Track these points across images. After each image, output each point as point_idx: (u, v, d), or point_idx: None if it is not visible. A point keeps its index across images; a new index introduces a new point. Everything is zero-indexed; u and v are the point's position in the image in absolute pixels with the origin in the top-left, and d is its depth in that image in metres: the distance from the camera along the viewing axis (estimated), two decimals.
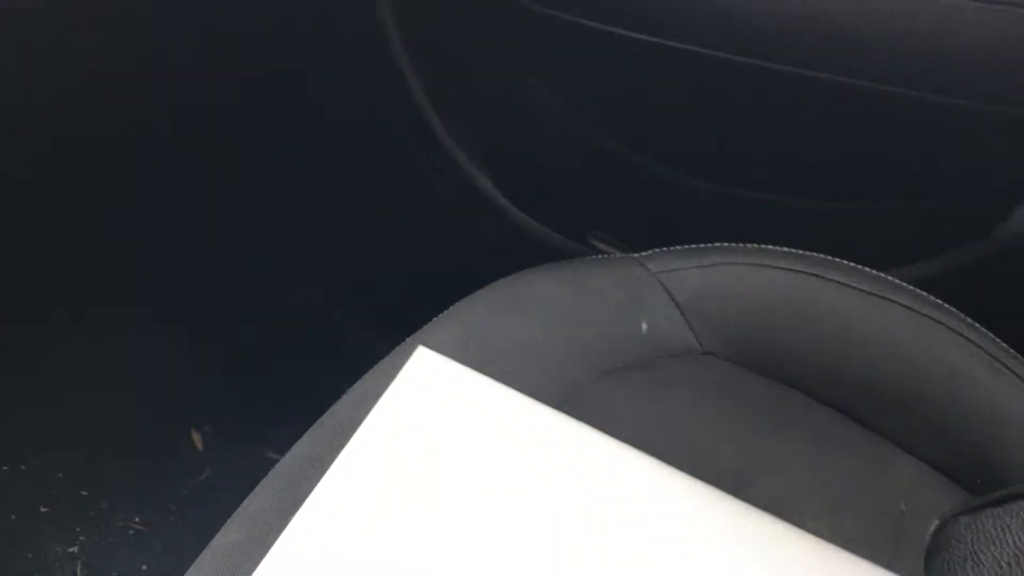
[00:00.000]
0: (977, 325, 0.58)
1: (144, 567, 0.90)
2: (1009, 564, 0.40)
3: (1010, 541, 0.41)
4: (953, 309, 0.58)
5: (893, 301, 0.58)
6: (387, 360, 0.56)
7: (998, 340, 0.58)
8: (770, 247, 0.62)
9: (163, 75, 0.70)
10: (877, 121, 0.65)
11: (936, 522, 0.47)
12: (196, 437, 1.01)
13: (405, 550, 0.45)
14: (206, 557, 0.45)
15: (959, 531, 0.45)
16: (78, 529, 0.91)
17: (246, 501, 0.49)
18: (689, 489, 0.49)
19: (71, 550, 0.90)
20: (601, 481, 0.48)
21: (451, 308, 0.60)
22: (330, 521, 0.45)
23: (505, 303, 0.60)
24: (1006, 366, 0.57)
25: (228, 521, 0.47)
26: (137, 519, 0.92)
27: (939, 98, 0.61)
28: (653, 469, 0.50)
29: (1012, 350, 0.58)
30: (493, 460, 0.48)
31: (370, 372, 0.56)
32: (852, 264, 0.60)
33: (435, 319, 0.59)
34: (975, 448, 0.54)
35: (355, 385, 0.55)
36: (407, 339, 0.57)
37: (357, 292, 0.76)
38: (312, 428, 0.53)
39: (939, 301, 0.58)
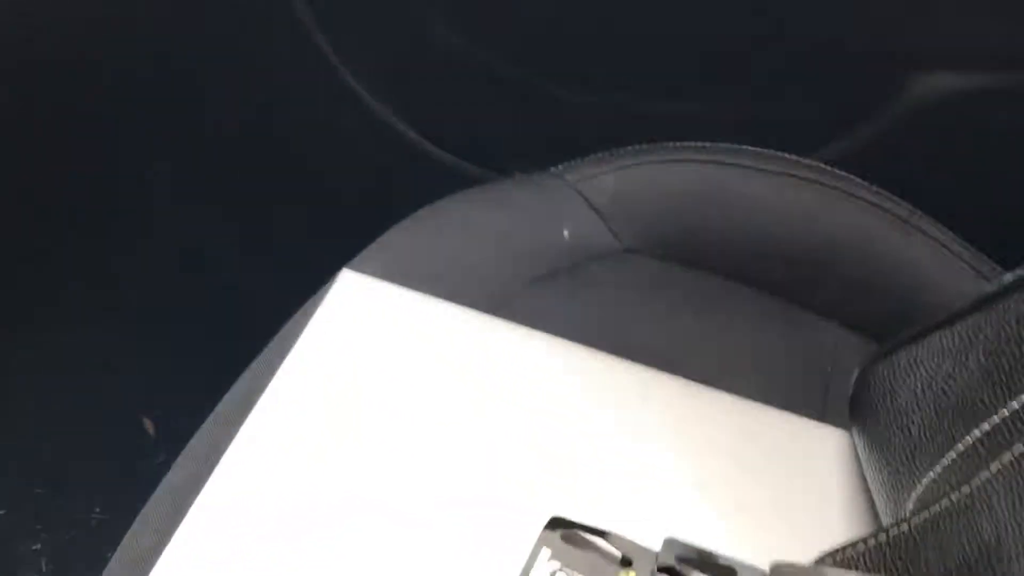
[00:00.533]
0: (884, 192, 0.60)
1: (110, 555, 0.89)
2: (923, 390, 0.42)
3: (922, 371, 0.43)
4: (859, 179, 0.60)
5: (801, 178, 0.60)
6: (314, 298, 0.56)
7: (905, 203, 0.60)
8: (678, 143, 0.63)
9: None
10: (769, 4, 0.66)
11: (857, 371, 0.49)
12: (148, 424, 1.01)
13: (347, 473, 0.45)
14: (157, 493, 0.45)
15: (877, 373, 0.47)
16: (39, 527, 0.90)
17: (190, 442, 0.49)
18: (628, 373, 0.51)
19: (34, 548, 0.89)
20: (540, 379, 0.50)
21: (376, 241, 0.60)
22: (263, 454, 0.45)
23: (430, 228, 0.61)
24: (915, 226, 0.59)
25: (176, 460, 0.48)
26: (97, 509, 0.92)
27: None
28: (590, 360, 0.51)
29: (919, 211, 0.60)
30: (431, 373, 0.49)
31: (298, 311, 0.56)
32: (758, 149, 0.61)
33: (361, 253, 0.60)
34: (892, 305, 0.57)
35: (283, 327, 0.56)
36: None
37: (270, 243, 0.76)
38: (244, 373, 0.53)
39: (845, 173, 0.60)
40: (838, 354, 0.56)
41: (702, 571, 0.41)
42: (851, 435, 0.48)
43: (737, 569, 0.39)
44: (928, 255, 0.58)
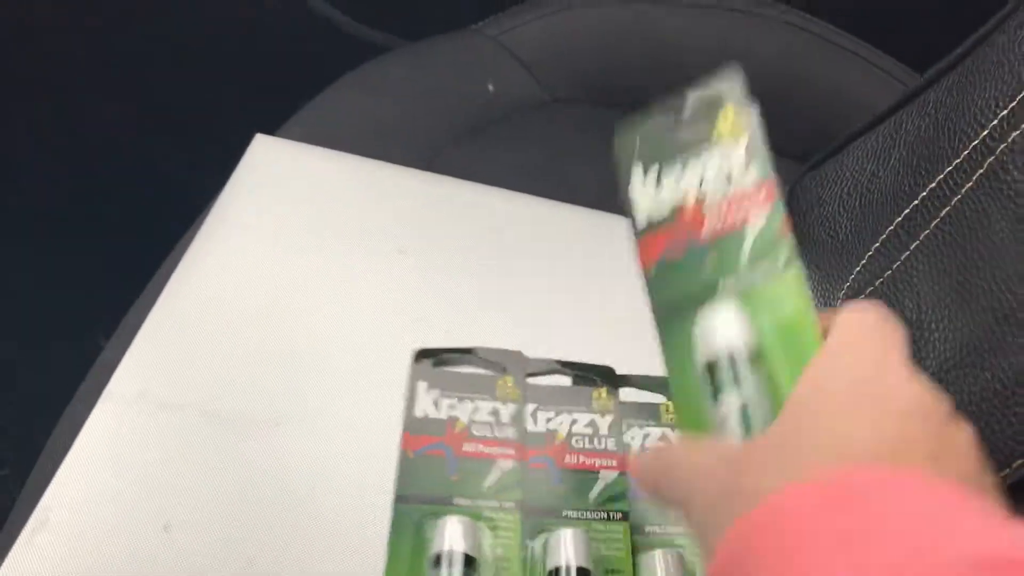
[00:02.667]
0: (807, 15, 0.59)
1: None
2: (848, 193, 0.43)
3: (847, 176, 0.44)
4: (780, 4, 0.59)
5: (723, 8, 0.59)
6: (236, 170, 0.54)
7: (830, 25, 0.59)
8: None
9: None
10: None
11: (787, 188, 0.49)
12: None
13: (267, 327, 0.44)
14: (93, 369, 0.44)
15: (805, 186, 0.47)
16: None
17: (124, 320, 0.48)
18: (559, 213, 0.50)
19: None
20: (472, 225, 0.49)
21: (298, 112, 0.59)
22: (180, 323, 0.44)
23: (351, 93, 0.59)
24: (840, 46, 0.58)
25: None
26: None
27: None
28: (520, 203, 0.51)
29: (843, 31, 0.59)
30: (355, 229, 0.48)
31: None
32: None
33: (284, 124, 0.58)
34: (820, 126, 0.56)
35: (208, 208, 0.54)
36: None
37: (185, 128, 0.73)
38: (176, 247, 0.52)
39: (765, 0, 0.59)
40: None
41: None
42: None
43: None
44: (857, 73, 0.58)
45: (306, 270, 0.46)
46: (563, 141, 0.57)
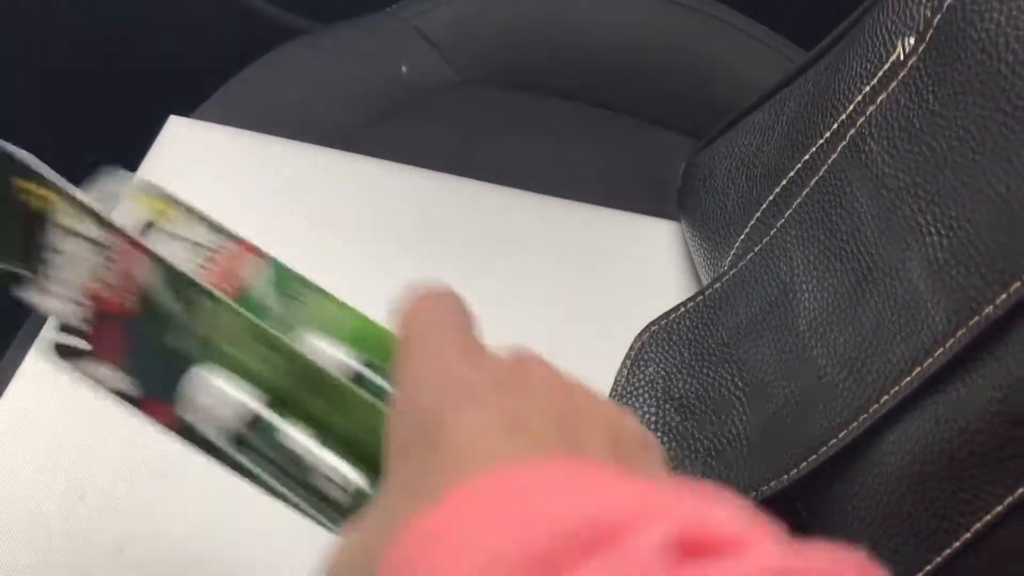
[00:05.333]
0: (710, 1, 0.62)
1: None
2: (736, 167, 0.45)
3: (736, 151, 0.46)
4: None
5: None
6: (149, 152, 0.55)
7: (727, 7, 0.62)
8: None
9: None
10: None
11: (684, 164, 0.52)
12: None
13: None
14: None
15: (698, 162, 0.50)
16: None
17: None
18: (470, 189, 0.52)
19: None
20: (381, 202, 0.51)
21: (211, 97, 0.59)
22: None
23: (263, 78, 0.60)
24: (737, 28, 0.61)
25: None
26: None
27: None
28: (432, 181, 0.52)
29: (741, 14, 0.62)
30: (272, 209, 0.49)
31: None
32: None
33: (199, 108, 0.59)
34: (715, 104, 0.59)
35: None
36: None
37: (96, 117, 0.73)
38: None
39: None
40: (672, 157, 0.58)
41: None
42: (680, 224, 0.51)
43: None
44: (751, 54, 0.61)
45: None
46: (474, 122, 0.58)
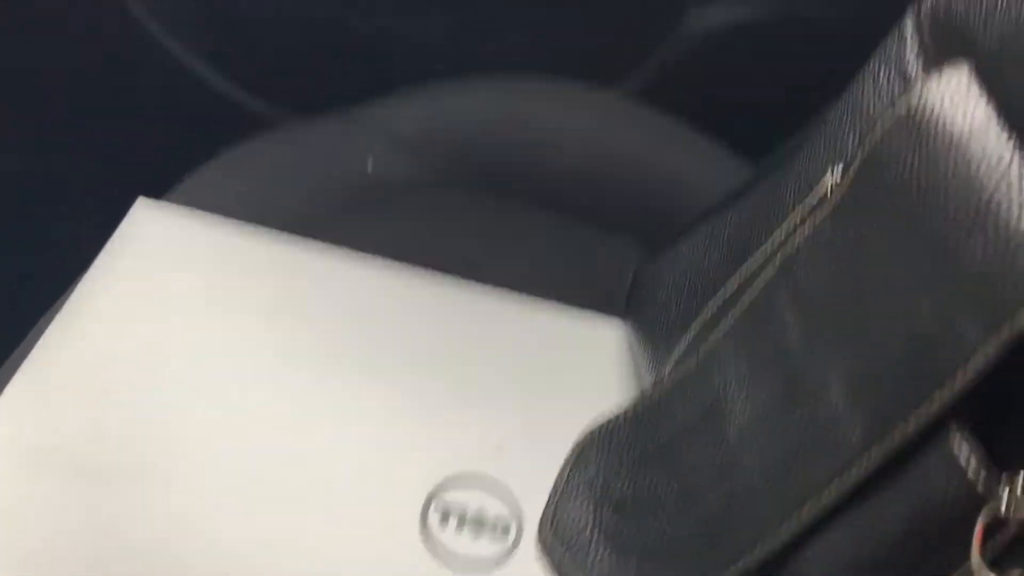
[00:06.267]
0: (665, 115, 0.65)
1: None
2: (680, 277, 0.47)
3: (681, 262, 0.48)
4: (642, 106, 0.65)
5: (588, 105, 0.64)
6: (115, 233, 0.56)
7: (681, 122, 0.65)
8: (476, 77, 0.66)
9: None
10: None
11: (633, 272, 0.54)
12: None
13: (151, 408, 0.46)
14: None
15: (647, 270, 0.52)
16: None
17: None
18: (429, 280, 0.54)
19: None
20: (346, 295, 0.52)
21: (177, 185, 0.61)
22: (42, 397, 0.45)
23: (231, 169, 0.62)
24: (690, 142, 0.64)
25: None
26: None
27: None
28: (393, 274, 0.54)
29: (697, 134, 0.65)
30: (231, 295, 0.50)
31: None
32: (546, 79, 0.65)
33: (166, 194, 0.60)
34: (671, 216, 0.62)
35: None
36: None
37: (66, 196, 0.75)
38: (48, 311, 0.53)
39: (629, 100, 0.65)
40: (626, 264, 0.60)
41: None
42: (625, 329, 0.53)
43: None
44: (706, 171, 0.64)
45: (180, 337, 0.48)
46: (434, 220, 0.61)
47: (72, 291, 0.50)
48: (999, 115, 0.30)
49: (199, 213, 0.53)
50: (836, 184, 0.36)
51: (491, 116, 0.64)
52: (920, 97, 0.32)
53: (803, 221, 0.37)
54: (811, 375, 0.34)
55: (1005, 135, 0.30)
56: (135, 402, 0.45)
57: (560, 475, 0.43)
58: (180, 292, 0.49)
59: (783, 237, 0.39)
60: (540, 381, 0.50)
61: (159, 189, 0.61)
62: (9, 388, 0.44)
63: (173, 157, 0.63)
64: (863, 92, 0.38)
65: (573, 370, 0.51)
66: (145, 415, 0.45)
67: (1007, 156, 0.29)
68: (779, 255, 0.37)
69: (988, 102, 0.30)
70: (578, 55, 0.77)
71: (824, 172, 0.38)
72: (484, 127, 0.64)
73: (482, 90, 0.64)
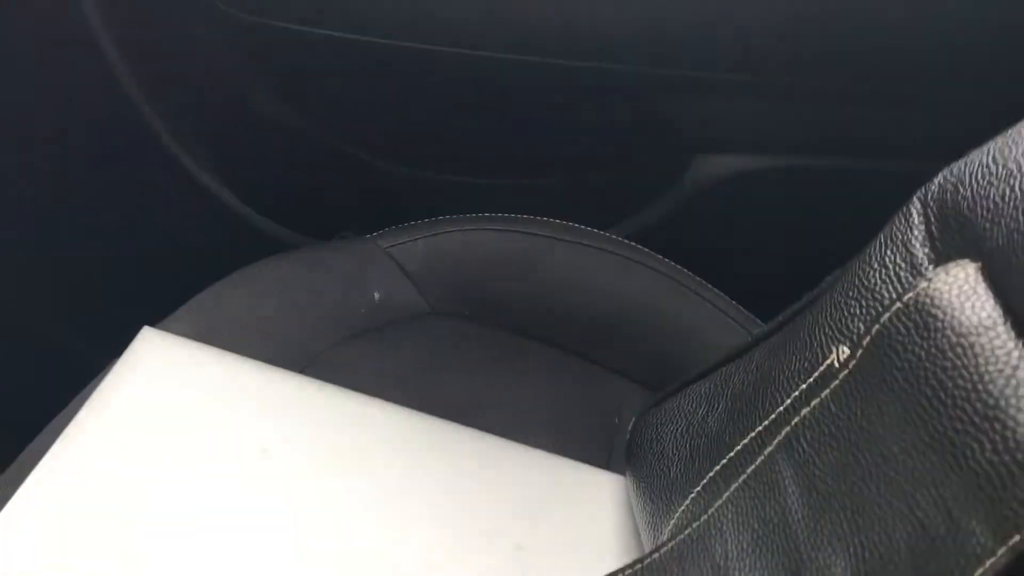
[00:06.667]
0: (667, 260, 0.66)
1: None
2: (681, 434, 0.47)
3: (682, 417, 0.48)
4: (645, 249, 0.66)
5: (592, 247, 0.65)
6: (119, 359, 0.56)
7: (686, 271, 0.66)
8: (486, 214, 0.67)
9: None
10: (574, 101, 0.73)
11: (634, 419, 0.54)
12: None
13: (144, 533, 0.46)
14: None
15: (648, 421, 0.52)
16: None
17: None
18: (422, 425, 0.53)
19: None
20: (335, 431, 0.52)
21: (189, 302, 0.62)
22: (42, 517, 0.45)
23: (240, 290, 0.62)
24: (694, 291, 0.65)
25: None
26: None
27: (616, 66, 0.69)
28: (389, 413, 0.54)
29: (699, 278, 0.66)
30: (226, 427, 0.50)
31: (106, 374, 0.57)
32: (558, 221, 0.67)
33: (172, 314, 0.61)
34: (671, 360, 0.62)
35: (88, 389, 0.56)
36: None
37: (83, 305, 0.75)
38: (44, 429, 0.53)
39: (634, 244, 0.66)
40: (624, 407, 0.60)
41: None
42: (625, 479, 0.52)
43: None
44: (706, 317, 0.64)
45: (174, 466, 0.48)
46: (439, 353, 0.61)
47: (74, 415, 0.49)
48: (1006, 313, 0.30)
49: (199, 346, 0.53)
50: (841, 363, 0.37)
51: (498, 254, 0.65)
52: (928, 291, 0.32)
53: (808, 395, 0.38)
54: (815, 558, 0.34)
55: (1013, 333, 0.30)
56: (132, 526, 0.45)
57: None
58: (179, 422, 0.49)
59: (786, 408, 0.39)
60: (536, 532, 0.49)
61: (166, 301, 0.61)
62: (11, 504, 0.44)
63: (183, 270, 0.63)
64: (870, 272, 0.38)
65: (571, 523, 0.50)
66: (140, 539, 0.44)
67: (1015, 355, 0.29)
68: (783, 428, 0.37)
69: (996, 300, 0.31)
70: (584, 197, 0.79)
71: (829, 347, 0.39)
72: (491, 265, 0.64)
73: (490, 228, 0.65)
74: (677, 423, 0.48)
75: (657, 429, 0.50)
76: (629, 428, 0.53)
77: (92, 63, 0.71)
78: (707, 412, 0.47)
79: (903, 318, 0.33)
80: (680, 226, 0.73)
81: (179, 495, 0.47)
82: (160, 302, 0.61)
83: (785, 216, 0.72)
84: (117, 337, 0.56)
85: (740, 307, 0.63)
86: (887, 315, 0.34)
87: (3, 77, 0.70)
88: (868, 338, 0.35)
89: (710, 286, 0.64)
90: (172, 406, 0.49)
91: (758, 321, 0.62)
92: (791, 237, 0.74)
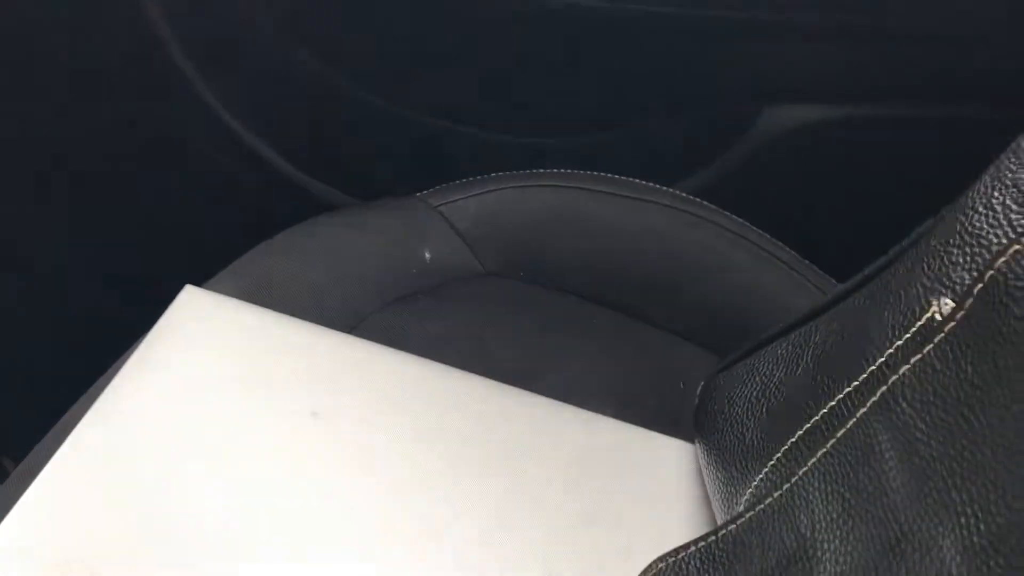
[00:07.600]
0: (734, 217, 0.62)
1: None
2: (757, 397, 0.44)
3: (757, 379, 0.45)
4: (710, 204, 0.62)
5: (654, 203, 0.62)
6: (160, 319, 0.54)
7: (755, 228, 0.62)
8: (540, 170, 0.64)
9: None
10: (632, 43, 0.69)
11: (701, 384, 0.51)
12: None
13: (185, 493, 0.44)
14: None
15: (718, 384, 0.48)
16: None
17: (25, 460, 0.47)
18: (480, 386, 0.51)
19: None
20: (389, 393, 0.49)
21: (233, 263, 0.59)
22: (86, 470, 0.44)
23: (286, 251, 0.60)
24: (763, 248, 0.61)
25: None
26: None
27: (684, 10, 0.65)
28: (442, 376, 0.51)
29: (768, 235, 0.62)
30: (270, 387, 0.48)
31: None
32: (614, 176, 0.63)
33: (217, 275, 0.59)
34: (739, 323, 0.59)
35: (128, 352, 0.54)
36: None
37: (128, 271, 0.74)
38: (90, 388, 0.51)
39: (696, 199, 0.62)
40: (690, 372, 0.57)
41: None
42: (695, 446, 0.49)
43: None
44: (774, 275, 0.61)
45: (217, 430, 0.46)
46: (492, 315, 0.58)
47: (115, 374, 0.48)
48: None
49: (241, 304, 0.51)
50: (945, 315, 0.33)
51: (555, 211, 0.62)
52: None
53: (906, 352, 0.34)
54: (918, 530, 0.30)
55: None
56: (172, 488, 0.43)
57: None
58: (221, 381, 0.47)
59: (880, 367, 0.36)
60: (600, 501, 0.46)
61: (212, 267, 0.59)
62: (52, 463, 0.42)
63: (230, 235, 0.61)
64: (974, 216, 0.35)
65: (635, 492, 0.47)
66: (181, 503, 0.42)
67: None
68: (879, 388, 0.34)
69: None
70: (647, 153, 0.75)
71: (928, 299, 0.35)
72: (546, 223, 0.61)
73: (543, 184, 0.62)
74: (751, 387, 0.45)
75: (728, 393, 0.47)
76: (697, 393, 0.50)
77: (137, 26, 0.69)
78: (784, 375, 0.44)
79: (1020, 266, 0.30)
80: (748, 181, 0.69)
81: (225, 461, 0.45)
82: (207, 265, 0.59)
83: (858, 170, 0.68)
84: (164, 302, 0.54)
85: (814, 266, 0.60)
86: (1002, 260, 0.30)
87: (49, 42, 0.69)
88: (980, 285, 0.31)
89: (780, 244, 0.60)
90: (215, 367, 0.47)
91: (832, 281, 0.59)
92: (864, 192, 0.70)
